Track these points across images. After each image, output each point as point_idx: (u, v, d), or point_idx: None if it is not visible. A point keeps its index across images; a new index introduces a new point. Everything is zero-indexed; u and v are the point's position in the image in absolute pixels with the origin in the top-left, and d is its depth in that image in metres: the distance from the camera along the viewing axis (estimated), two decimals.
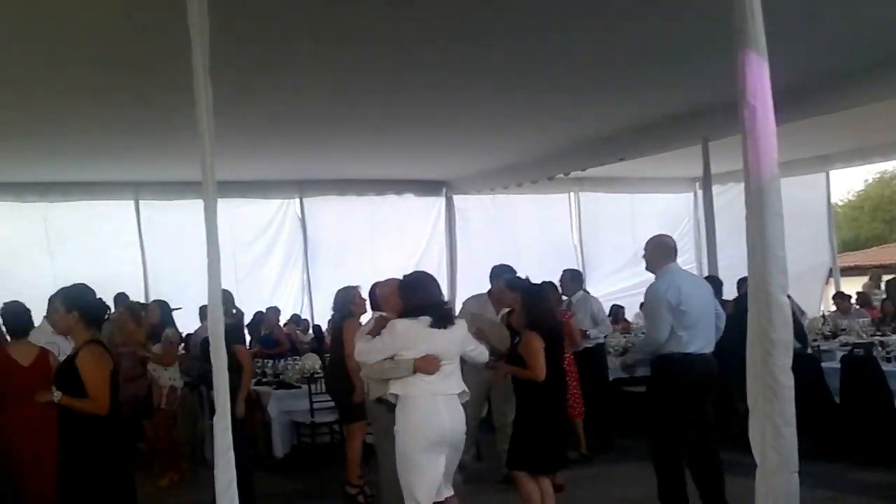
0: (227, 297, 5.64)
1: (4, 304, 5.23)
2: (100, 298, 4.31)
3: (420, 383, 4.18)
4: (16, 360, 4.90)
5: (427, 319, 4.21)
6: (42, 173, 9.94)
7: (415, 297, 4.33)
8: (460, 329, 4.37)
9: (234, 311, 6.26)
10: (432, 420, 4.15)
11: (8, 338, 5.18)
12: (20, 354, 4.95)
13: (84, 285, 4.23)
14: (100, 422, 3.99)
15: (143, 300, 9.62)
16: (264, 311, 10.40)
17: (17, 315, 5.10)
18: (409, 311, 4.29)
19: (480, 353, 4.56)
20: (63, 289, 4.18)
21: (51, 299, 4.46)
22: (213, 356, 3.11)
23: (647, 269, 5.30)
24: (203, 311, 8.27)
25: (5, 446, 4.81)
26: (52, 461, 4.46)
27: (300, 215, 12.30)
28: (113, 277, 9.43)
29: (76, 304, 4.08)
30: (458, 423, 4.24)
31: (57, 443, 4.47)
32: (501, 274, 6.19)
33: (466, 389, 4.37)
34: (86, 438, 3.98)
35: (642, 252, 5.31)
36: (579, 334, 7.29)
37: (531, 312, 4.85)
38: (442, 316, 4.28)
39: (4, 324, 5.23)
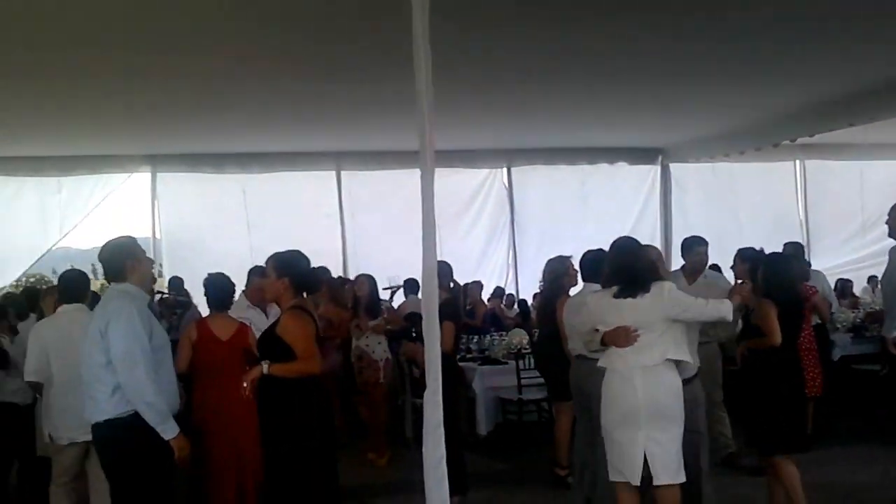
0: (445, 270, 6.26)
1: (209, 275, 5.90)
2: (314, 268, 4.91)
3: (614, 356, 4.67)
4: (215, 335, 5.51)
5: (613, 290, 4.71)
6: (242, 144, 11.44)
7: (607, 266, 4.89)
8: (658, 295, 4.63)
9: (452, 284, 6.79)
10: (625, 393, 4.58)
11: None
12: (219, 328, 5.54)
13: (298, 252, 4.76)
14: (306, 388, 4.51)
15: (342, 273, 11.03)
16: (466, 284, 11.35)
17: (221, 288, 5.73)
18: (604, 282, 4.89)
19: (701, 312, 4.69)
20: (276, 254, 4.71)
21: (249, 272, 5.26)
22: (426, 331, 3.49)
23: (889, 235, 5.77)
24: (409, 285, 9.43)
25: (201, 423, 5.44)
26: (253, 435, 5.18)
27: (507, 185, 13.32)
28: (311, 250, 10.87)
29: (288, 270, 4.62)
30: (658, 397, 4.54)
31: (256, 416, 5.15)
32: (693, 246, 6.77)
33: (689, 360, 4.71)
34: (292, 408, 4.51)
35: (872, 221, 5.73)
36: (826, 307, 7.66)
37: (769, 282, 5.22)
38: (629, 284, 4.67)
39: (206, 295, 5.85)
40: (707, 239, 7.14)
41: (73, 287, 5.48)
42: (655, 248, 5.98)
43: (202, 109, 9.30)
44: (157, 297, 8.58)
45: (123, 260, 4.49)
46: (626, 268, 4.75)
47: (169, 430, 4.29)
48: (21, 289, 10.30)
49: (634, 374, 4.57)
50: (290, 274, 4.60)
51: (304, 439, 4.53)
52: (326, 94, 8.76)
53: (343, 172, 12.61)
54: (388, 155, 11.97)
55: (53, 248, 11.78)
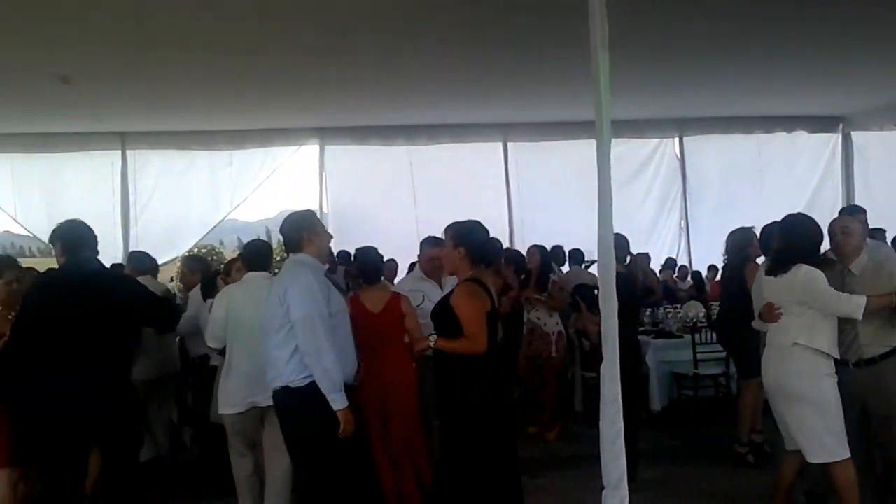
0: (621, 243, 6.16)
1: (357, 249, 5.97)
2: (493, 238, 4.92)
3: (768, 331, 4.89)
4: (366, 308, 5.49)
5: (766, 265, 4.83)
6: (409, 116, 11.58)
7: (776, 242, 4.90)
8: (792, 278, 4.66)
9: (628, 259, 6.64)
10: (765, 370, 4.86)
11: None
12: (370, 301, 5.51)
13: (477, 223, 4.69)
14: (475, 363, 4.43)
15: (507, 245, 10.94)
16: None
17: (370, 261, 5.75)
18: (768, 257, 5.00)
19: (829, 305, 4.60)
20: (454, 223, 4.68)
21: (421, 243, 5.26)
22: (603, 303, 3.48)
23: None
24: (575, 255, 9.33)
25: (360, 397, 5.41)
26: (410, 407, 5.29)
27: (679, 155, 12.97)
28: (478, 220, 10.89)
29: (465, 240, 4.56)
30: (782, 378, 4.72)
31: (416, 389, 5.32)
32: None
33: (823, 349, 4.62)
34: (461, 380, 4.45)
35: None
36: None
37: None
38: (774, 262, 4.80)
39: (359, 269, 5.97)
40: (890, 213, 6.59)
41: (257, 255, 5.60)
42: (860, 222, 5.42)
43: (370, 83, 9.46)
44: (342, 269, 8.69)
45: (301, 232, 4.63)
46: (781, 246, 4.84)
47: (338, 401, 4.36)
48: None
49: (770, 352, 4.83)
50: (466, 244, 4.56)
51: (466, 415, 4.46)
52: (495, 65, 8.76)
53: (510, 144, 12.60)
54: (557, 126, 11.94)
55: (227, 219, 12.36)
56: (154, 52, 7.88)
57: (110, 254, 10.96)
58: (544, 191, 12.34)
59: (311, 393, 4.36)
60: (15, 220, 12.03)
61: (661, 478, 6.25)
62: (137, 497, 4.73)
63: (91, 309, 4.50)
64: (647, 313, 8.86)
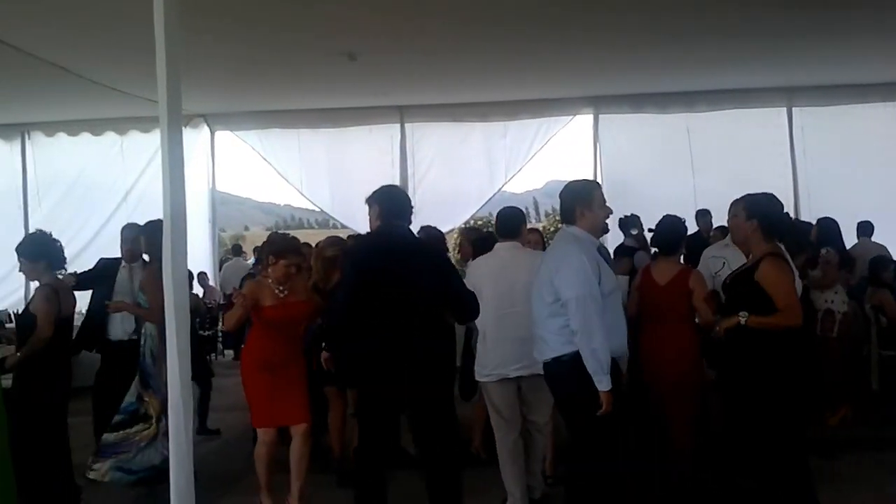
0: None
1: (663, 217, 5.88)
2: (783, 211, 4.77)
3: None
4: (654, 279, 5.46)
5: None
6: (687, 82, 11.38)
7: None
8: None
9: None
10: None
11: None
12: (659, 272, 5.46)
13: (772, 195, 4.71)
14: (790, 338, 4.40)
15: (792, 215, 10.25)
16: None
17: (670, 231, 5.61)
18: None
19: None
20: (747, 195, 4.74)
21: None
22: None
23: None
24: (864, 227, 9.17)
25: (645, 366, 5.43)
26: (694, 382, 5.18)
27: None
28: (759, 191, 10.30)
29: (757, 212, 4.57)
30: None
31: (697, 367, 5.23)
32: None
33: None
34: (775, 356, 4.42)
35: None
36: None
37: None
38: None
39: (657, 238, 5.86)
40: None
41: (507, 224, 5.59)
42: None
43: (646, 48, 9.39)
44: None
45: (574, 204, 4.65)
46: None
47: (603, 382, 4.38)
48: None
49: None
50: (758, 215, 4.56)
51: (775, 395, 4.45)
52: (780, 23, 8.39)
53: (795, 109, 11.99)
54: (847, 88, 11.32)
55: (504, 190, 12.64)
56: (433, 28, 8.25)
57: None
58: (835, 158, 11.61)
59: (579, 363, 4.39)
60: (301, 194, 12.93)
61: None
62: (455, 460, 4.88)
63: (416, 270, 4.64)
64: None
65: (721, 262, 5.69)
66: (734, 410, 4.73)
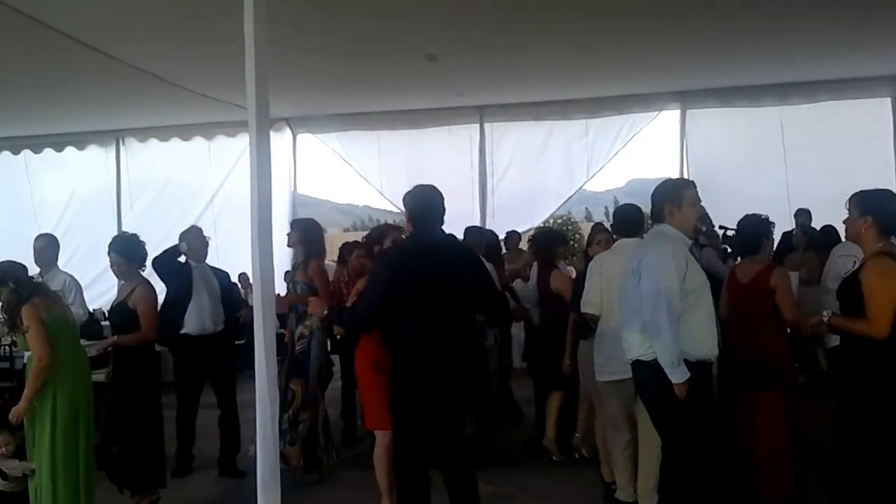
0: None
1: (743, 217, 5.90)
2: None
3: None
4: (737, 278, 5.57)
5: None
6: (780, 74, 11.04)
7: None
8: None
9: None
10: None
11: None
12: (743, 271, 5.57)
13: (888, 191, 4.63)
14: (875, 348, 4.28)
15: None
16: None
17: (751, 231, 5.66)
18: None
19: None
20: (861, 191, 4.64)
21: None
22: None
23: None
24: None
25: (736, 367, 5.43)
26: (781, 381, 5.13)
27: None
28: (858, 188, 10.03)
29: (873, 208, 4.49)
30: None
31: (783, 363, 5.16)
32: None
33: None
34: (857, 362, 4.37)
35: None
36: None
37: None
38: None
39: (737, 237, 5.99)
40: None
41: (627, 221, 5.59)
42: None
43: (735, 39, 9.13)
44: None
45: (663, 204, 4.67)
46: None
47: (675, 375, 4.35)
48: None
49: None
50: (874, 213, 4.47)
51: (866, 400, 4.37)
52: (877, 6, 8.07)
53: None
54: None
55: (585, 188, 12.50)
56: (513, 25, 8.18)
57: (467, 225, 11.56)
58: None
59: (660, 366, 4.40)
60: (381, 194, 13.09)
61: None
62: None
63: (442, 277, 4.75)
64: None
65: (852, 261, 5.69)
66: (843, 424, 4.56)
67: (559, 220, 16.23)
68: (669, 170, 12.05)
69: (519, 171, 12.53)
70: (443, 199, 5.08)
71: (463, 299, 4.79)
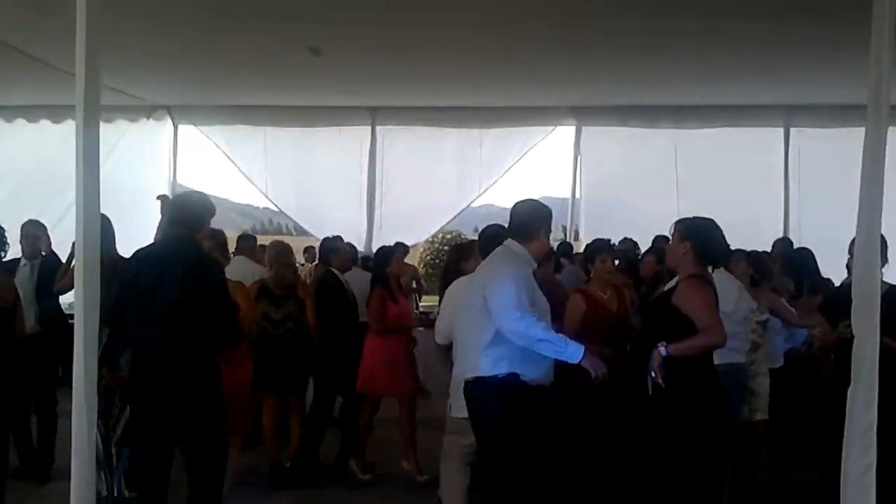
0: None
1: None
2: (721, 238, 4.75)
3: None
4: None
5: None
6: (677, 96, 11.24)
7: None
8: None
9: None
10: None
11: None
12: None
13: (711, 221, 4.67)
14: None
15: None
16: None
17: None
18: None
19: None
20: (685, 218, 4.75)
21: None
22: (859, 320, 3.44)
23: None
24: None
25: None
26: None
27: None
28: (747, 216, 10.49)
29: (693, 235, 4.57)
30: None
31: None
32: None
33: None
34: (700, 381, 4.43)
35: None
36: None
37: None
38: None
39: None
40: None
41: (491, 243, 5.53)
42: None
43: (632, 57, 9.22)
44: None
45: (540, 224, 4.76)
46: None
47: (572, 355, 4.37)
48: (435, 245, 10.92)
49: None
50: (693, 239, 4.56)
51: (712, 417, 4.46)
52: (778, 38, 8.29)
53: (792, 129, 11.84)
54: (846, 109, 10.86)
55: (474, 205, 12.45)
56: (404, 24, 8.10)
57: (354, 235, 11.49)
58: (828, 183, 11.16)
59: (504, 386, 4.43)
60: (265, 195, 12.81)
61: None
62: None
63: (165, 290, 4.58)
64: None
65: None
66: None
67: (448, 235, 16.18)
68: (564, 187, 12.23)
69: (409, 179, 12.42)
70: (194, 204, 4.92)
71: (174, 309, 4.58)
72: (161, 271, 4.61)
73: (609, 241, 6.59)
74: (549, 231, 4.78)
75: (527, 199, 4.84)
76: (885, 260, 5.25)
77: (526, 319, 4.29)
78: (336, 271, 7.53)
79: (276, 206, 12.87)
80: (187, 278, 4.59)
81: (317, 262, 9.62)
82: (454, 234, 15.66)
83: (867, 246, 3.46)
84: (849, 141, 10.98)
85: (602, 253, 6.20)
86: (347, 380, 7.11)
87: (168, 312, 4.54)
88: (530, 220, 4.72)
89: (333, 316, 7.11)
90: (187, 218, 4.83)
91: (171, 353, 4.56)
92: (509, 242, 4.73)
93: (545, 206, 4.86)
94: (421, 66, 9.89)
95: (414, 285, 10.90)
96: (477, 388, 4.56)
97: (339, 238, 8.13)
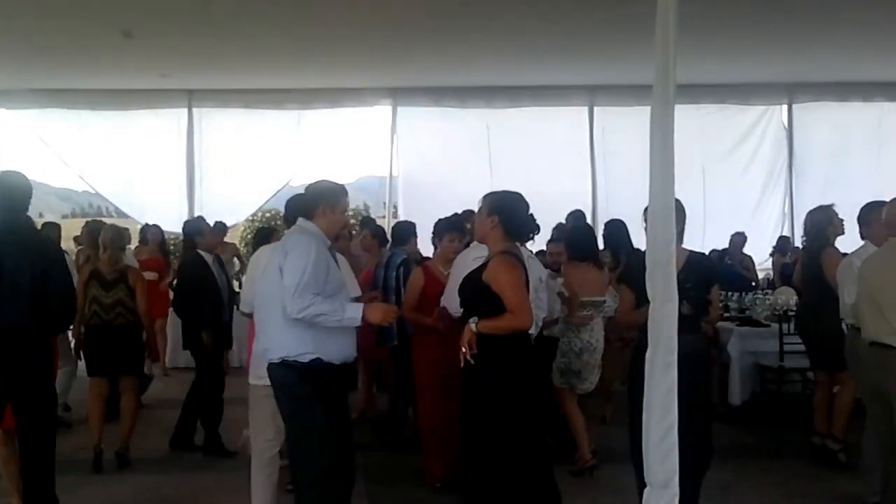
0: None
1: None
2: (577, 211, 4.99)
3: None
4: None
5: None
6: (488, 76, 11.67)
7: None
8: None
9: None
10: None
11: None
12: None
13: (519, 195, 4.73)
14: (519, 341, 4.56)
15: (589, 218, 10.91)
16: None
17: None
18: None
19: None
20: (492, 192, 4.77)
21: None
22: (652, 285, 3.59)
23: None
24: None
25: None
26: None
27: (786, 124, 12.76)
28: (558, 192, 11.04)
29: (500, 209, 4.60)
30: None
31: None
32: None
33: None
34: (503, 361, 4.52)
35: None
36: None
37: None
38: None
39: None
40: None
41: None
42: None
43: (446, 39, 9.61)
44: None
45: (318, 202, 4.75)
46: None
47: (353, 319, 4.46)
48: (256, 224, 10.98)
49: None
50: (500, 213, 4.61)
51: (511, 399, 4.55)
52: (581, 20, 8.78)
53: (596, 108, 12.54)
54: (645, 89, 11.44)
55: (293, 184, 12.43)
56: (213, 5, 8.21)
57: (175, 216, 11.55)
58: (632, 160, 11.48)
59: (310, 370, 4.45)
60: (82, 179, 12.64)
61: (731, 478, 6.17)
62: None
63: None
64: (734, 298, 8.64)
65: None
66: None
67: (268, 214, 16.20)
68: (382, 167, 12.55)
69: (229, 160, 12.48)
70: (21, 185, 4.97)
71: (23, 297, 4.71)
72: (7, 255, 4.67)
73: (458, 219, 6.50)
74: (339, 208, 4.79)
75: (319, 181, 4.91)
76: (681, 226, 5.21)
77: (303, 298, 4.36)
78: (203, 252, 7.40)
79: (93, 189, 12.70)
80: (36, 261, 4.73)
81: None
82: (273, 212, 15.72)
83: (662, 212, 3.50)
84: (647, 117, 12.04)
85: (452, 232, 6.28)
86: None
87: (18, 295, 4.65)
88: (312, 199, 4.76)
89: (202, 297, 7.17)
90: (18, 200, 4.87)
91: (20, 336, 4.69)
92: (301, 220, 4.81)
93: (332, 185, 4.89)
94: (236, 48, 9.97)
95: (236, 262, 10.97)
96: (282, 372, 4.60)
97: (200, 219, 8.02)
